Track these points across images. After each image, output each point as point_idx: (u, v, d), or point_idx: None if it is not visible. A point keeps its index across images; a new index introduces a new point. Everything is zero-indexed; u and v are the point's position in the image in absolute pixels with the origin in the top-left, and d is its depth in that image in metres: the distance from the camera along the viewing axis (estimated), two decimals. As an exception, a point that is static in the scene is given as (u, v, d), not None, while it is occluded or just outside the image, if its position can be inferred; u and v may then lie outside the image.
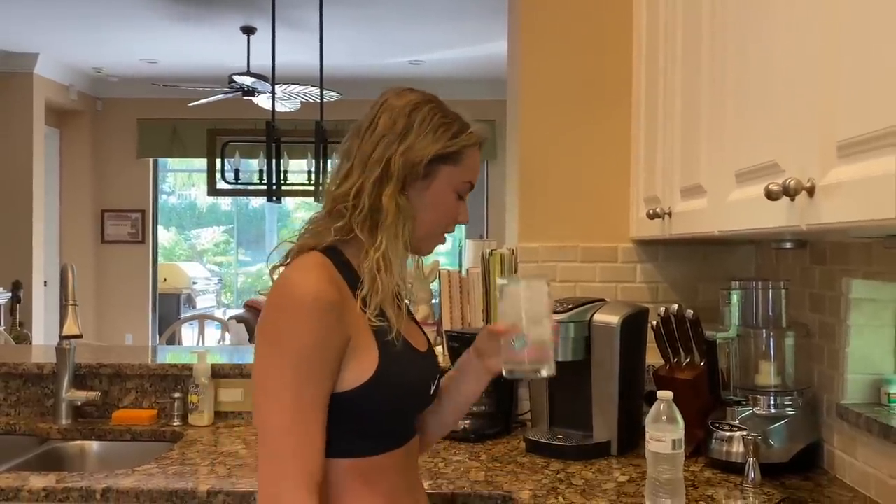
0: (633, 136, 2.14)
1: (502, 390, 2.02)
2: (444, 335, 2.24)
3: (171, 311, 8.93)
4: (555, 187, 2.18)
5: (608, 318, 1.85)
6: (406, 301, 1.28)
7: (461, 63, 7.34)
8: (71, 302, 2.00)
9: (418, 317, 2.42)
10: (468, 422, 1.97)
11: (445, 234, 1.26)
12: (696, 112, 1.60)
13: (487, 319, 2.19)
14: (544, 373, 1.28)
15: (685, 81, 1.69)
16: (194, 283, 10.48)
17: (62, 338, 2.06)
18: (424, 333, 1.34)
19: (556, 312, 1.86)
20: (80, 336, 2.00)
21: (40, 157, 7.39)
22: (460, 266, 8.34)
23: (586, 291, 2.11)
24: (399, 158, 1.16)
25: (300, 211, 10.98)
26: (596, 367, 1.86)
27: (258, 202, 11.51)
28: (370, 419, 1.15)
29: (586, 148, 2.18)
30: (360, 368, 1.11)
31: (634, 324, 1.89)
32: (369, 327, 1.13)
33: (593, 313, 1.87)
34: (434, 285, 2.46)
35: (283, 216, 11.90)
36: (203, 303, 10.41)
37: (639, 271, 2.17)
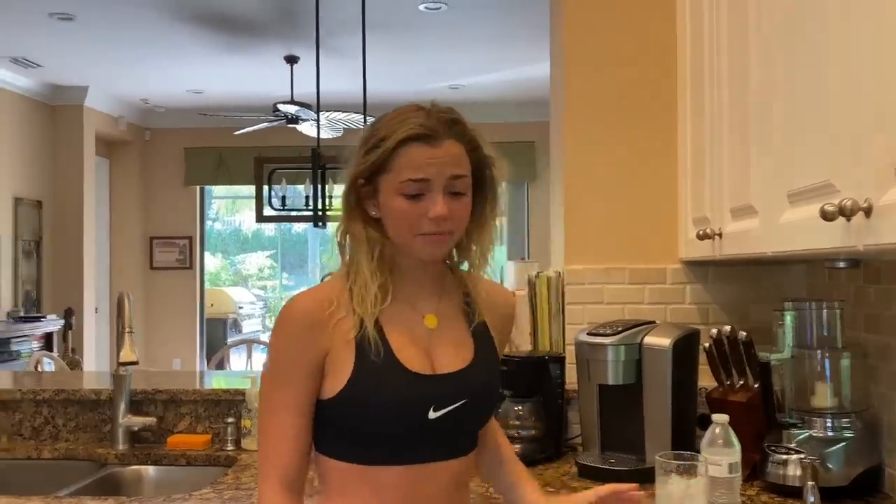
0: (679, 155, 2.13)
1: (552, 414, 2.01)
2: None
3: (217, 335, 9.04)
4: (600, 209, 2.18)
5: (660, 340, 1.84)
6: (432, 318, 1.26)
7: (500, 86, 7.38)
8: (127, 329, 2.05)
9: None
10: (518, 446, 1.95)
11: (431, 233, 1.19)
12: (745, 131, 1.59)
13: (535, 343, 2.19)
14: None
15: (732, 100, 1.69)
16: (240, 307, 10.62)
17: (119, 364, 2.10)
18: (482, 355, 1.28)
19: (605, 335, 1.86)
20: (136, 363, 2.04)
21: (91, 187, 7.58)
22: (503, 288, 8.16)
23: (635, 313, 2.10)
24: (349, 189, 1.24)
25: (342, 235, 11.06)
26: (648, 391, 1.85)
27: (301, 227, 11.64)
28: (351, 430, 1.21)
29: (632, 169, 2.17)
30: (335, 381, 1.19)
31: (686, 346, 1.87)
32: (353, 343, 1.19)
33: (644, 336, 1.86)
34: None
35: (326, 241, 12.01)
36: (249, 327, 10.53)
37: (688, 292, 2.15)
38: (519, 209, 8.48)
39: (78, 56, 6.41)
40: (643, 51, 2.18)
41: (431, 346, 1.24)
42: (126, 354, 2.03)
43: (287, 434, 1.19)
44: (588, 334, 1.89)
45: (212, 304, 9.08)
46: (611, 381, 1.85)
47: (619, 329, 1.86)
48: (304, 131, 6.68)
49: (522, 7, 5.20)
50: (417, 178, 1.17)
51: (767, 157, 1.46)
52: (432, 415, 1.20)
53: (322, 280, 1.28)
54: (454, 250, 1.28)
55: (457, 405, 1.22)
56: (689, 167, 2.04)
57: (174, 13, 5.34)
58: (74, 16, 5.35)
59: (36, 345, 6.48)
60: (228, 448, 2.15)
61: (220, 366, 5.73)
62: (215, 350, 8.36)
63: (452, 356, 1.25)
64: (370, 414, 1.19)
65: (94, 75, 7.03)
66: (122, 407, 2.16)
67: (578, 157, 2.20)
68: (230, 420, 2.17)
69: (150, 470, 2.12)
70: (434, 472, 1.22)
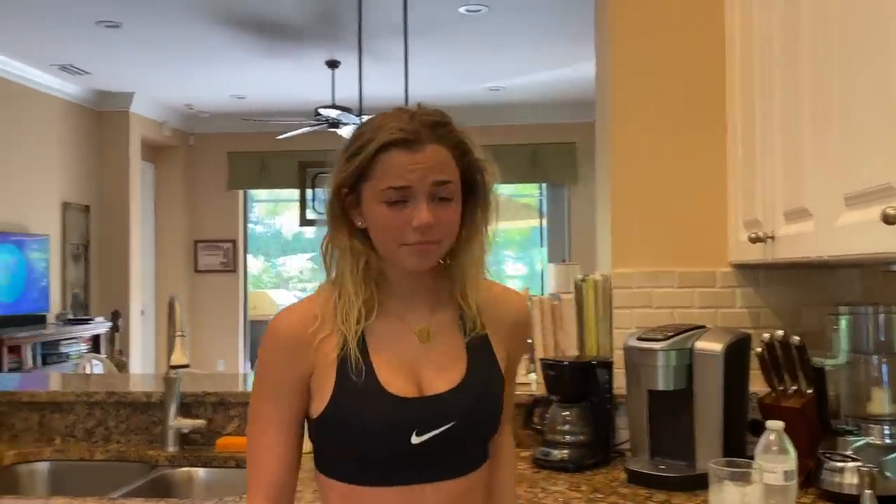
0: (729, 157, 2.10)
1: (600, 419, 1.99)
2: (538, 363, 2.23)
3: (260, 337, 9.12)
4: (648, 211, 2.15)
5: (711, 345, 1.82)
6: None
7: (540, 88, 7.35)
8: (178, 333, 2.08)
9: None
10: (566, 451, 1.95)
11: (416, 243, 1.13)
12: (798, 133, 1.56)
13: (581, 348, 2.18)
14: None
15: (785, 101, 1.66)
16: (281, 310, 10.70)
17: (170, 367, 2.13)
18: (475, 372, 1.21)
19: (655, 340, 1.84)
20: (187, 366, 2.07)
21: (137, 191, 7.72)
22: (542, 291, 8.32)
23: (684, 318, 2.07)
24: (332, 198, 1.19)
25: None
26: (699, 396, 1.82)
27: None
28: (338, 450, 1.19)
29: (681, 170, 2.15)
30: (319, 401, 1.17)
31: (738, 351, 1.84)
32: (336, 362, 1.16)
33: (695, 340, 1.83)
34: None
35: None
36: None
37: (738, 296, 2.12)
38: (559, 211, 8.43)
39: (124, 63, 6.53)
40: (692, 51, 2.15)
41: (420, 364, 1.19)
42: (177, 357, 2.06)
43: (272, 449, 1.19)
44: (638, 339, 1.87)
45: (254, 307, 9.18)
46: (661, 387, 1.83)
47: (670, 334, 1.84)
48: (345, 135, 6.72)
49: (564, 7, 5.18)
50: (399, 186, 1.12)
51: (823, 160, 1.43)
52: (415, 439, 1.15)
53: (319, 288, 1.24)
54: (449, 259, 1.22)
55: (443, 429, 1.16)
56: (739, 169, 2.01)
57: (218, 20, 5.41)
58: (120, 23, 5.45)
59: (84, 347, 6.62)
60: (276, 451, 2.16)
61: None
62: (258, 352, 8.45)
63: (442, 375, 1.20)
64: (351, 436, 1.16)
65: (139, 81, 7.16)
66: (173, 409, 2.19)
67: (625, 159, 2.17)
68: (278, 423, 2.18)
69: (200, 472, 2.14)
70: (433, 492, 1.17)
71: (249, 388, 2.36)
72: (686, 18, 2.16)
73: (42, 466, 2.22)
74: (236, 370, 8.37)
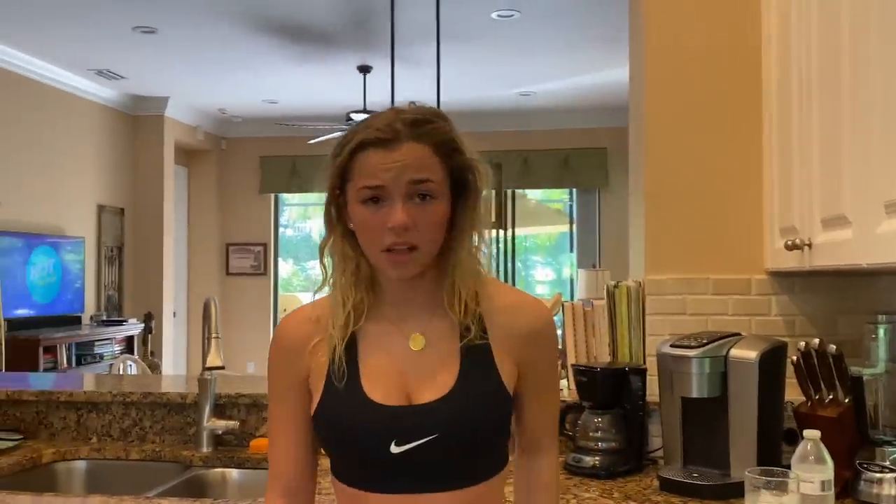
0: (765, 163, 2.08)
1: (633, 426, 1.98)
2: (569, 369, 2.23)
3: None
4: (682, 217, 2.14)
5: (746, 353, 1.80)
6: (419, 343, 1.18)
7: (571, 93, 7.34)
8: (214, 335, 2.11)
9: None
10: (598, 458, 1.94)
11: (394, 248, 1.11)
12: (837, 139, 1.54)
13: (614, 354, 2.17)
14: None
15: (823, 107, 1.64)
16: (311, 313, 10.78)
17: (205, 368, 2.16)
18: (467, 383, 1.16)
19: (689, 347, 1.83)
20: (222, 368, 2.09)
21: (170, 195, 7.82)
22: (571, 296, 8.27)
23: (718, 325, 2.06)
24: (328, 200, 1.19)
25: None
26: (733, 404, 1.80)
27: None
28: (331, 453, 1.21)
29: (715, 176, 2.13)
30: (313, 403, 1.20)
31: (773, 359, 1.83)
32: (325, 367, 1.18)
33: (729, 348, 1.82)
34: (557, 318, 2.45)
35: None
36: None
37: (773, 304, 2.09)
38: (590, 216, 8.40)
39: (159, 68, 6.62)
40: (727, 55, 2.13)
41: (410, 372, 1.17)
42: (212, 359, 2.08)
43: (285, 450, 1.23)
44: (671, 346, 1.86)
45: (284, 310, 9.23)
46: (695, 394, 1.82)
47: (704, 341, 1.83)
48: (375, 139, 6.75)
49: (596, 12, 5.17)
50: (373, 185, 1.10)
51: (863, 167, 1.42)
52: (395, 449, 1.13)
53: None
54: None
55: (424, 441, 1.12)
56: (776, 175, 1.99)
57: (252, 26, 5.47)
58: (157, 29, 5.53)
59: (117, 348, 6.71)
60: (308, 453, 2.18)
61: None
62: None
63: (430, 383, 1.16)
64: (334, 440, 1.18)
65: (174, 86, 7.26)
66: (207, 410, 2.21)
67: (659, 164, 2.16)
68: (310, 425, 2.20)
69: (233, 473, 2.16)
70: (432, 501, 1.14)
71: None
72: (722, 21, 2.14)
73: (79, 465, 2.25)
74: (266, 372, 8.42)
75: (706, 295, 2.11)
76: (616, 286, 2.17)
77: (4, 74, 6.03)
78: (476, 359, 1.17)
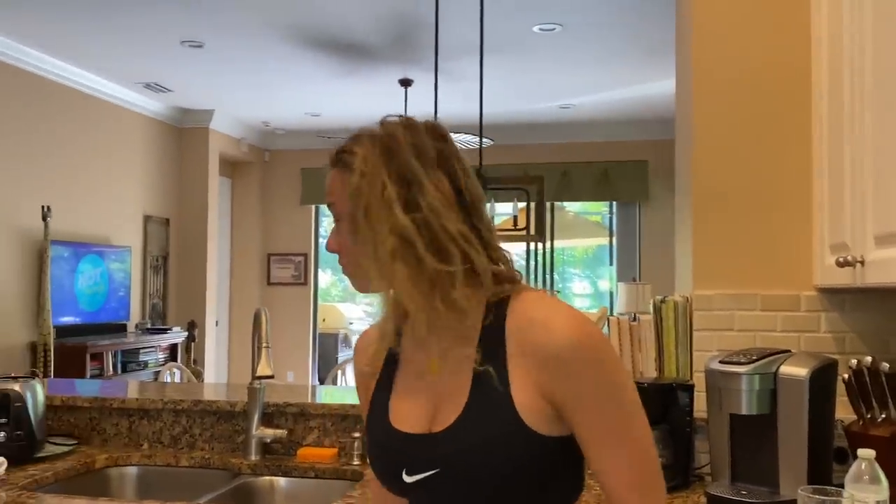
0: (814, 176, 2.06)
1: (679, 442, 1.98)
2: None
3: (329, 350, 9.28)
4: (731, 232, 2.13)
5: (796, 370, 1.78)
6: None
7: (612, 105, 7.32)
8: (264, 344, 2.14)
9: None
10: (645, 473, 1.93)
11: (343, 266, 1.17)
12: (891, 151, 1.53)
13: (660, 369, 2.16)
14: None
15: (877, 122, 1.62)
16: (350, 323, 10.86)
17: (255, 377, 2.20)
18: (474, 413, 1.07)
19: (738, 363, 1.82)
20: (272, 377, 2.13)
21: (214, 206, 7.95)
22: (611, 310, 8.19)
23: (767, 341, 2.04)
24: None
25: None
26: (783, 421, 1.79)
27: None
28: None
29: (764, 190, 2.12)
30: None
31: (824, 376, 1.81)
32: (375, 381, 1.22)
33: (779, 365, 1.80)
34: (604, 331, 2.45)
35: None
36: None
37: (823, 321, 2.07)
38: (630, 230, 8.34)
39: (205, 81, 6.75)
40: (776, 68, 2.12)
41: (432, 398, 1.12)
42: (262, 368, 2.12)
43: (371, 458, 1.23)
44: (720, 362, 1.85)
45: (324, 319, 9.33)
46: (744, 411, 1.81)
47: (754, 357, 1.81)
48: (415, 152, 6.80)
49: (638, 26, 5.17)
50: (328, 204, 1.18)
51: (919, 183, 1.40)
52: (406, 478, 1.09)
53: None
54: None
55: (427, 474, 1.07)
56: (826, 190, 1.98)
57: (297, 40, 5.56)
58: (204, 43, 5.65)
59: (161, 355, 6.83)
60: (355, 462, 2.20)
61: (333, 382, 5.87)
62: (327, 363, 8.60)
63: (442, 412, 1.10)
64: (372, 464, 1.19)
65: (219, 99, 7.39)
66: (256, 419, 2.25)
67: (708, 178, 2.16)
68: (356, 435, 2.22)
69: (281, 481, 2.19)
70: None
71: (325, 400, 2.42)
72: (770, 33, 2.13)
73: (131, 471, 2.30)
74: (306, 382, 8.50)
75: (754, 311, 2.09)
76: (663, 301, 2.17)
77: (57, 87, 6.19)
78: (489, 388, 1.06)
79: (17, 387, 2.20)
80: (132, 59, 6.10)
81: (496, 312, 1.10)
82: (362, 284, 1.15)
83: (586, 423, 1.05)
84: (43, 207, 5.72)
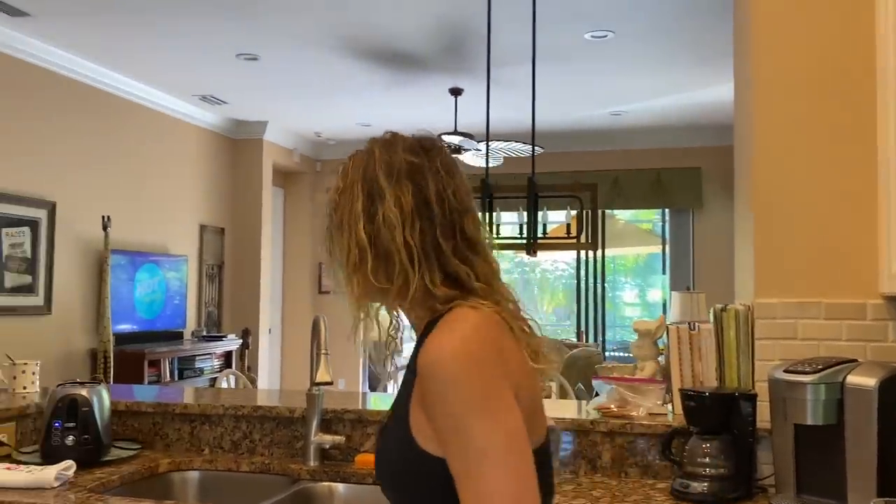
0: (880, 182, 2.01)
1: (742, 452, 1.94)
2: (673, 393, 2.20)
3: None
4: (794, 239, 2.09)
5: (864, 380, 1.74)
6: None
7: (664, 112, 7.25)
8: (323, 351, 2.17)
9: (644, 374, 2.40)
10: (706, 484, 1.91)
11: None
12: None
13: (721, 379, 2.13)
14: None
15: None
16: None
17: (314, 384, 2.22)
18: (385, 432, 1.20)
19: (804, 373, 1.79)
20: (330, 383, 2.15)
21: (268, 215, 8.07)
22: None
23: (832, 351, 2.00)
24: None
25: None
26: (850, 432, 1.75)
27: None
28: None
29: (828, 197, 2.08)
30: None
31: (893, 387, 1.76)
32: None
33: (846, 375, 1.76)
34: (660, 341, 2.43)
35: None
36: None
37: (891, 329, 2.02)
38: (683, 238, 8.23)
39: (259, 93, 6.87)
40: (840, 71, 2.08)
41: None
42: (321, 375, 2.14)
43: None
44: (785, 371, 1.82)
45: (374, 328, 9.37)
46: (809, 421, 1.77)
47: (820, 367, 1.78)
48: (465, 161, 6.82)
49: (690, 32, 5.12)
50: None
51: None
52: (378, 474, 1.23)
53: None
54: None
55: (386, 471, 1.19)
56: (892, 196, 1.93)
57: (348, 51, 5.63)
58: (259, 56, 5.75)
59: (217, 362, 6.94)
60: (412, 470, 2.21)
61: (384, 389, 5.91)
62: (376, 371, 8.64)
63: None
64: None
65: (273, 111, 7.51)
66: (315, 425, 2.28)
67: (769, 184, 2.12)
68: (413, 443, 2.23)
69: (339, 487, 2.21)
70: None
71: (378, 408, 2.43)
72: (833, 34, 2.09)
73: (193, 475, 2.35)
74: (356, 389, 8.56)
75: (818, 319, 2.05)
76: (724, 309, 2.14)
77: (116, 100, 6.36)
78: (398, 403, 1.14)
79: (84, 392, 2.27)
80: (189, 72, 6.24)
81: (425, 332, 1.13)
82: (352, 307, 1.22)
83: (444, 446, 1.04)
84: (103, 217, 5.87)
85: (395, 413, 1.15)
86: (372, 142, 1.22)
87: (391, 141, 1.22)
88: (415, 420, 1.07)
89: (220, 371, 6.66)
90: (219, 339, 7.15)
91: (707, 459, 1.93)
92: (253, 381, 6.94)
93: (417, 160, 1.18)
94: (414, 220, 1.13)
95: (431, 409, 1.04)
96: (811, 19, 2.12)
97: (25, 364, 2.64)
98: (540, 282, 10.63)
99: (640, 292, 9.82)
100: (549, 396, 3.47)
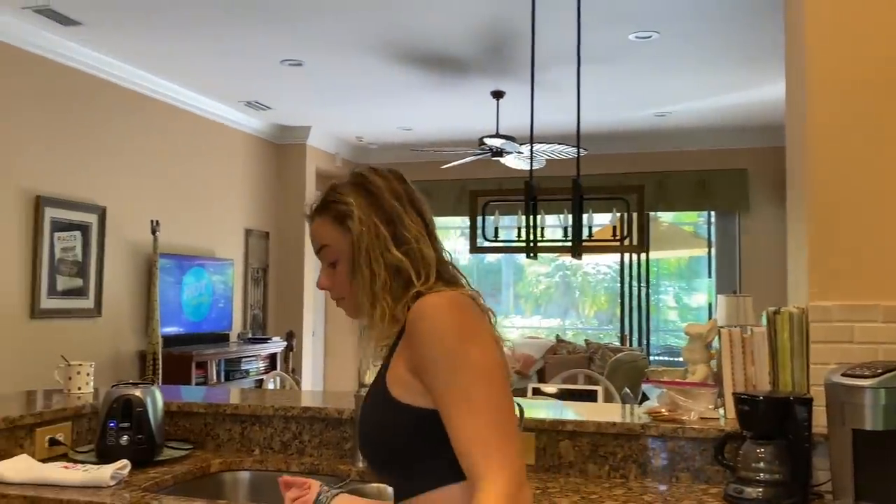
0: (940, 185, 1.97)
1: (797, 458, 1.91)
2: (725, 397, 2.17)
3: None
4: (850, 241, 2.05)
5: (926, 384, 1.70)
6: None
7: (710, 113, 7.17)
8: (372, 354, 2.18)
9: (695, 378, 2.37)
10: (761, 490, 1.88)
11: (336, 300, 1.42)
12: None
13: (774, 383, 2.10)
14: None
15: None
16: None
17: (362, 386, 2.23)
18: (380, 380, 1.33)
19: (863, 377, 1.75)
20: (379, 386, 2.16)
21: (311, 219, 8.13)
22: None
23: (890, 355, 1.95)
24: None
25: (533, 265, 11.12)
26: (912, 438, 1.71)
27: (493, 257, 11.82)
28: None
29: (884, 197, 2.04)
30: None
31: (956, 392, 1.72)
32: None
33: (907, 379, 1.73)
34: (714, 344, 2.39)
35: (518, 270, 12.12)
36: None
37: (952, 333, 1.97)
38: (729, 241, 8.10)
39: (303, 98, 6.94)
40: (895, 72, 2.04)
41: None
42: (369, 377, 2.15)
43: None
44: (842, 375, 1.78)
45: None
46: (868, 427, 1.74)
47: (879, 371, 1.74)
48: (507, 163, 6.81)
49: (737, 32, 5.05)
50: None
51: None
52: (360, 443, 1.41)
53: None
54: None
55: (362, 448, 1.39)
56: (954, 197, 1.88)
57: (391, 56, 5.66)
58: (303, 62, 5.81)
59: (262, 364, 7.02)
60: (460, 472, 2.21)
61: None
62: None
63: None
64: None
65: (316, 116, 7.58)
66: (363, 427, 2.29)
67: (823, 185, 2.08)
68: (462, 445, 2.23)
69: (388, 489, 2.22)
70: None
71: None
72: (891, 34, 2.05)
73: (243, 475, 2.38)
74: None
75: (876, 323, 2.01)
76: (777, 312, 2.11)
77: (163, 106, 6.48)
78: (380, 372, 1.32)
79: (138, 392, 2.31)
80: (235, 78, 6.33)
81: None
82: (355, 312, 1.39)
83: (433, 388, 1.21)
84: (152, 222, 5.98)
85: (374, 384, 1.34)
86: (364, 175, 1.41)
87: (383, 172, 1.42)
88: (392, 372, 1.27)
89: (265, 373, 6.74)
90: (264, 341, 7.23)
91: (762, 464, 1.90)
92: (297, 384, 7.01)
93: (407, 188, 1.41)
94: (426, 235, 1.37)
95: (420, 348, 1.22)
96: (867, 15, 2.08)
97: (80, 365, 2.69)
98: (581, 285, 10.57)
99: (686, 295, 9.70)
100: (595, 400, 3.44)
